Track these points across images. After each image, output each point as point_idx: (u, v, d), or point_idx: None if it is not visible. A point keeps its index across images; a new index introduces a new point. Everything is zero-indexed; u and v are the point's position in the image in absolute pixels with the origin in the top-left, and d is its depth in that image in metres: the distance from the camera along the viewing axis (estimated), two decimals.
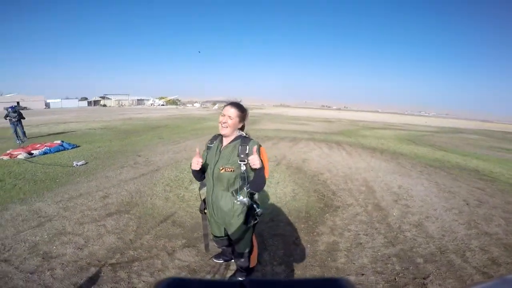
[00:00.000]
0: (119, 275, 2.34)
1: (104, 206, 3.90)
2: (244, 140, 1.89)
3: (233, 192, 1.92)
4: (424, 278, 2.45)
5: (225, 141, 1.94)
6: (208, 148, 2.03)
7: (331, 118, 30.94)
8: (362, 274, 2.48)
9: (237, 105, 1.91)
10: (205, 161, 1.98)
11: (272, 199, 4.32)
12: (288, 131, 14.28)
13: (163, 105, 45.17)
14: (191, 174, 2.05)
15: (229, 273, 2.42)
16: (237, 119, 1.88)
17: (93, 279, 2.28)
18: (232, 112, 1.86)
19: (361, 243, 3.04)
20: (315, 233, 3.24)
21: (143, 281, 2.28)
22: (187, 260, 2.62)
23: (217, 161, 1.90)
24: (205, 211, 2.13)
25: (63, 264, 2.48)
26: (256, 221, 2.03)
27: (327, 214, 3.83)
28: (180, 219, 3.54)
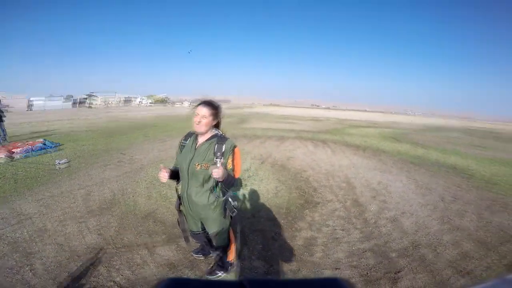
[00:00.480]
0: (99, 270, 2.38)
1: (85, 204, 3.89)
2: (220, 139, 1.95)
3: (210, 188, 1.99)
4: (396, 273, 2.57)
5: (201, 139, 1.99)
6: (182, 146, 2.07)
7: (320, 117, 31.31)
8: (337, 268, 2.59)
9: (209, 104, 1.95)
10: (179, 159, 2.05)
11: (255, 196, 4.41)
12: (276, 130, 14.40)
13: (151, 104, 44.45)
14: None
15: (208, 267, 2.47)
16: (210, 118, 1.93)
17: (73, 274, 2.31)
18: (205, 111, 1.91)
19: (337, 238, 3.16)
20: (294, 229, 3.35)
21: (122, 275, 2.33)
22: (166, 256, 2.67)
23: (192, 158, 1.94)
24: (181, 207, 2.18)
25: (42, 260, 2.50)
26: (232, 214, 2.09)
27: (307, 210, 3.95)
28: (162, 216, 3.58)
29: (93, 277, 2.30)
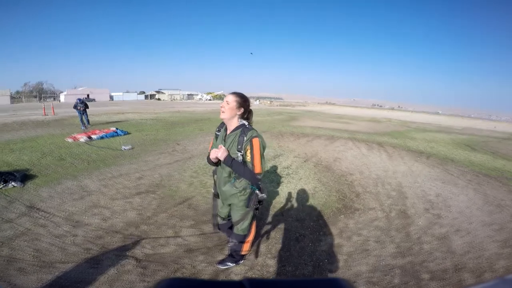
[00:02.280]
0: (126, 245, 2.66)
1: (136, 186, 4.37)
2: (244, 130, 1.99)
3: (234, 178, 2.08)
4: None
5: (229, 129, 2.07)
6: (216, 136, 2.21)
7: (380, 118, 28.81)
8: (354, 282, 2.37)
9: (236, 93, 2.04)
10: (214, 146, 2.17)
11: (289, 194, 4.33)
12: (327, 129, 13.81)
13: (210, 100, 47.58)
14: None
15: (222, 257, 2.54)
16: (234, 104, 1.99)
17: (104, 245, 2.64)
18: (230, 98, 2.01)
19: (367, 250, 2.88)
20: (321, 233, 3.17)
21: (143, 253, 2.56)
22: (188, 240, 2.84)
23: None
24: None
25: (86, 232, 2.90)
26: (257, 206, 2.15)
27: (342, 216, 3.70)
28: (196, 203, 3.82)
29: (119, 250, 2.58)
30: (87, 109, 10.97)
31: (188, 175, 5.06)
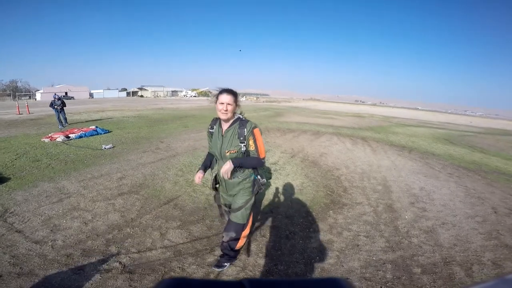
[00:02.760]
0: (110, 249, 2.51)
1: (118, 187, 4.17)
2: (241, 122, 2.05)
3: (237, 168, 2.08)
4: None
5: (225, 125, 2.10)
6: (210, 133, 2.23)
7: (364, 113, 29.48)
8: (347, 279, 2.35)
9: (231, 92, 2.04)
10: (211, 145, 2.22)
11: (277, 191, 4.28)
12: (312, 125, 13.93)
13: (195, 96, 46.92)
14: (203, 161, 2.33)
15: (212, 258, 2.45)
16: (234, 104, 2.02)
17: (86, 250, 2.48)
18: (230, 99, 2.00)
19: (358, 245, 2.88)
20: (311, 229, 3.14)
21: (129, 257, 2.42)
22: (176, 242, 2.72)
23: (221, 144, 2.08)
24: (217, 185, 2.35)
25: (65, 236, 2.72)
26: (260, 190, 2.21)
27: (331, 211, 3.69)
28: (182, 203, 3.68)
29: (103, 255, 2.43)
30: (64, 107, 10.42)
31: (172, 174, 4.89)
